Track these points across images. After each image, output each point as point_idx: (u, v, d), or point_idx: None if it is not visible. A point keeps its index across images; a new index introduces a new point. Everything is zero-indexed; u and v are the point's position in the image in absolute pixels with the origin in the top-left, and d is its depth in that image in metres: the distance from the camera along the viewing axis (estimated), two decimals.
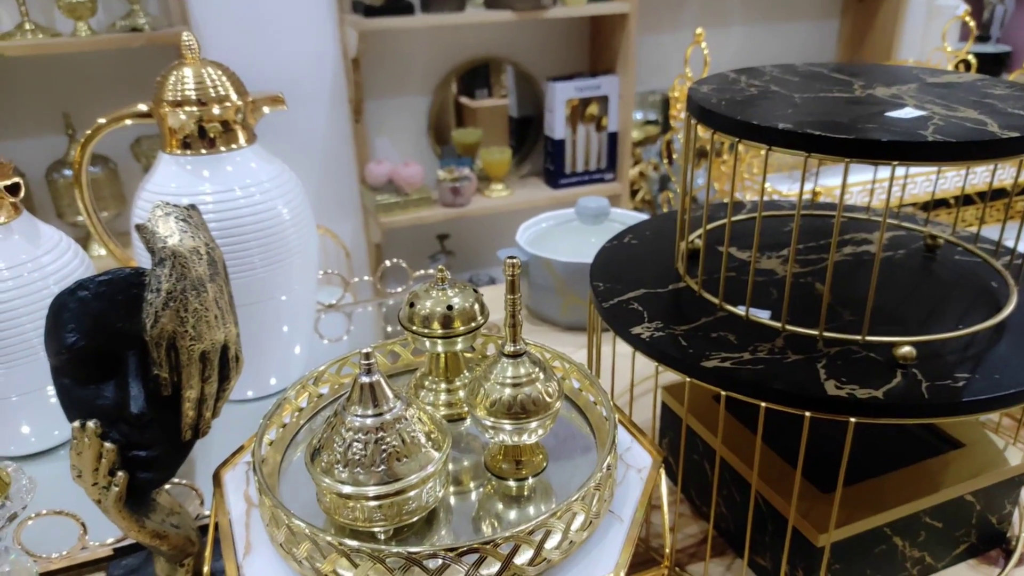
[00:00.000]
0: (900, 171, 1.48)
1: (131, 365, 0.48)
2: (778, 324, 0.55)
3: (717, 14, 2.56)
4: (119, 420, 0.48)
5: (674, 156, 1.19)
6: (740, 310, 0.58)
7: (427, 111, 2.29)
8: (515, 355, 0.48)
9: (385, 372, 0.64)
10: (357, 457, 0.42)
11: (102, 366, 0.48)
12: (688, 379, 0.53)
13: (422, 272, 1.02)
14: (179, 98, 0.69)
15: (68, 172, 1.86)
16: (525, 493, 0.50)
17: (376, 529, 0.44)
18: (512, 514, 0.48)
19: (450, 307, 0.54)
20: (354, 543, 0.40)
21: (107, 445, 0.46)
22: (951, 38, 2.72)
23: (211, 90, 0.70)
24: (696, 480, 0.68)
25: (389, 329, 1.03)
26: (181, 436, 0.51)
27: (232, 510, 0.50)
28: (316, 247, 0.81)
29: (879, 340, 0.53)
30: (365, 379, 0.44)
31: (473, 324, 0.55)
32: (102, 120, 0.72)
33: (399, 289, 1.06)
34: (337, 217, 2.28)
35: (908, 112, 0.52)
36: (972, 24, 1.30)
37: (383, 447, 0.42)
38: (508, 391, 0.47)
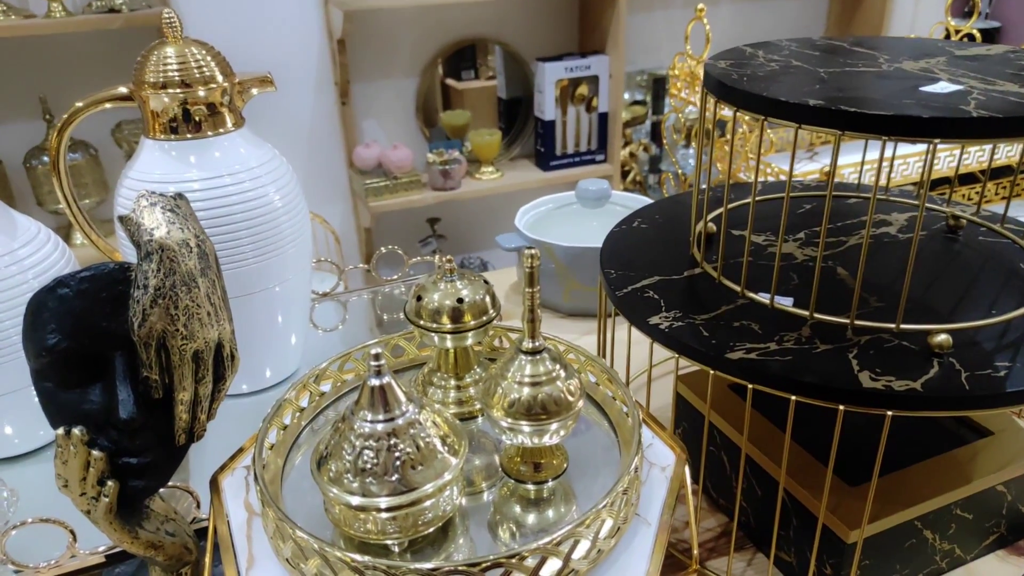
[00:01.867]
0: (908, 149, 1.45)
1: (118, 367, 0.44)
2: (805, 312, 0.53)
3: None
4: (107, 426, 0.44)
5: (675, 136, 1.16)
6: (761, 297, 0.55)
7: (415, 93, 2.24)
8: (534, 352, 0.45)
9: (390, 368, 0.61)
10: (368, 466, 0.39)
11: (87, 368, 0.44)
12: (712, 371, 0.50)
13: (418, 259, 0.99)
14: (162, 80, 0.65)
15: (47, 159, 1.80)
16: (544, 496, 0.47)
17: (389, 541, 0.41)
18: (531, 519, 0.46)
19: (460, 300, 0.50)
20: (367, 559, 0.37)
21: (95, 453, 0.43)
22: (936, 13, 2.70)
23: (195, 71, 0.66)
24: (713, 472, 0.66)
25: (385, 317, 1.00)
26: (174, 441, 0.48)
27: (232, 519, 0.47)
28: (309, 234, 0.78)
29: (912, 328, 0.50)
30: (375, 381, 0.40)
31: (484, 318, 0.51)
32: (79, 104, 0.67)
33: (394, 276, 1.02)
34: (326, 202, 2.24)
35: (944, 87, 0.49)
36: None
37: (396, 455, 0.39)
38: (527, 390, 0.44)
